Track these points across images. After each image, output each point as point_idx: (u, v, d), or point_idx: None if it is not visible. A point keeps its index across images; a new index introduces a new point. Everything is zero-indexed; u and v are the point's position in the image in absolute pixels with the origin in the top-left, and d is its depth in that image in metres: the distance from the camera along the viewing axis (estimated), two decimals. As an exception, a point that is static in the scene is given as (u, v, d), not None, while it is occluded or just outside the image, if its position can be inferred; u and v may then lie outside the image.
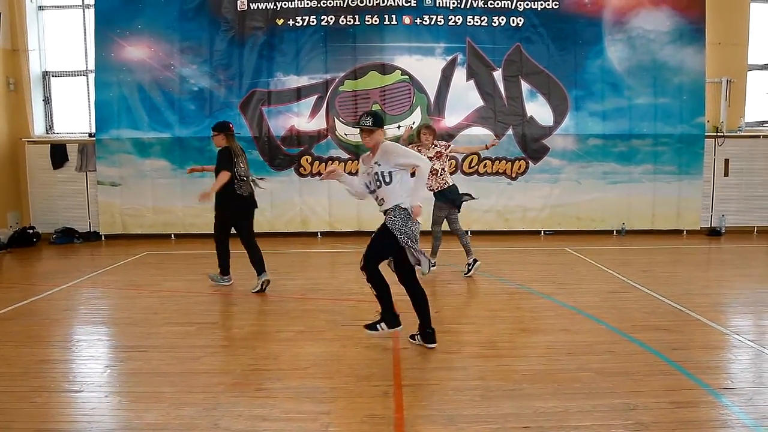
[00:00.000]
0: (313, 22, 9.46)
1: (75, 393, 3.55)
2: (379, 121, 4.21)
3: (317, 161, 9.73)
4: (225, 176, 5.80)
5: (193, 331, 4.75)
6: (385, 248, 4.16)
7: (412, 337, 4.37)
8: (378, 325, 4.30)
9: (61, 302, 5.86)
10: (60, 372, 3.93)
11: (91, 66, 9.79)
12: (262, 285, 5.92)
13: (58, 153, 9.83)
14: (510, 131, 9.77)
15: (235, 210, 5.97)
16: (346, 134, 9.67)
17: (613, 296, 5.92)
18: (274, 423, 3.13)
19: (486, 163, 9.85)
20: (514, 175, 9.90)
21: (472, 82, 9.69)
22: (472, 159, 9.82)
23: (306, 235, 9.85)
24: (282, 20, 9.47)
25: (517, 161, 9.86)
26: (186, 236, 9.47)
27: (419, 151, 6.32)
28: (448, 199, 6.64)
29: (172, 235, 9.65)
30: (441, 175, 6.58)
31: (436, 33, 9.60)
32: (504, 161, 9.85)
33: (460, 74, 9.67)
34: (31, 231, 9.57)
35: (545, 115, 9.80)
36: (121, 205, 9.63)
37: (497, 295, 6.04)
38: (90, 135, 9.91)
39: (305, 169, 9.73)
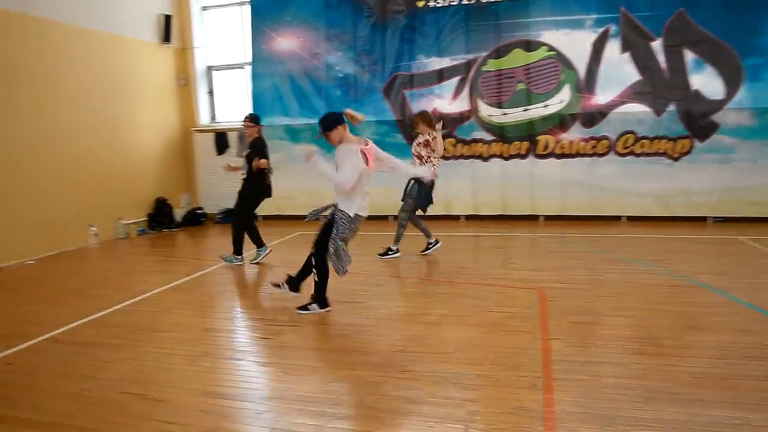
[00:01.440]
0: (454, 1, 9.28)
1: (236, 361, 3.85)
2: (327, 125, 4.64)
3: (460, 143, 9.59)
4: (265, 163, 6.67)
5: (342, 309, 4.92)
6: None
7: (277, 285, 5.01)
8: (309, 306, 4.79)
9: (226, 276, 6.42)
10: (223, 340, 4.29)
11: (248, 59, 10.55)
12: (264, 255, 6.95)
13: (221, 140, 10.77)
14: (672, 107, 8.83)
15: (262, 195, 6.90)
16: (490, 115, 9.41)
17: (802, 294, 5.11)
18: (418, 406, 3.12)
19: (643, 143, 9.00)
20: (676, 156, 8.95)
21: (627, 54, 8.88)
22: (627, 138, 9.03)
23: (449, 218, 9.80)
24: (423, 2, 9.41)
25: (680, 140, 8.88)
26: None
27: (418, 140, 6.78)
28: (423, 193, 6.71)
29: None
30: (426, 163, 6.67)
31: (586, 4, 8.91)
32: (665, 140, 8.93)
33: (613, 47, 8.90)
34: (199, 211, 10.63)
35: (714, 88, 8.68)
36: (275, 187, 10.27)
37: (659, 286, 5.48)
38: (247, 123, 10.70)
39: (448, 152, 9.65)
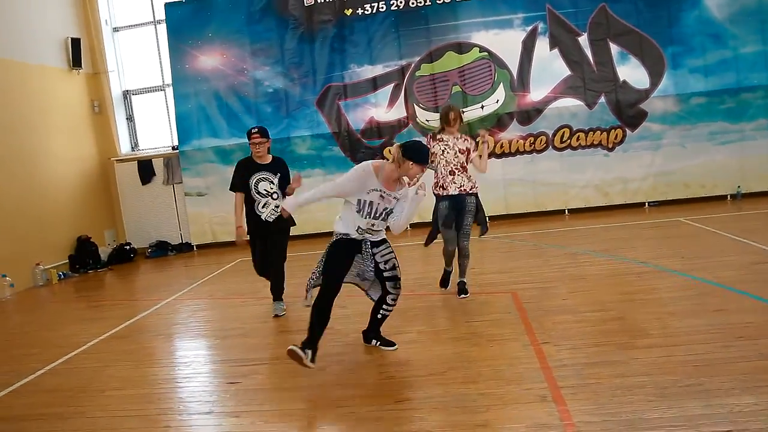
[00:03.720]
0: (382, 7, 9.13)
1: (205, 415, 3.35)
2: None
3: (399, 151, 9.38)
4: (300, 180, 5.13)
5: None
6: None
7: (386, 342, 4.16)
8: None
9: (170, 316, 5.81)
10: (184, 391, 3.77)
11: (168, 80, 9.89)
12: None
13: (145, 169, 10.01)
14: (602, 99, 9.06)
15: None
16: (427, 120, 9.28)
17: (759, 267, 5.23)
18: (428, 439, 2.80)
19: (579, 136, 9.18)
20: (611, 146, 9.18)
21: (556, 50, 9.05)
22: (563, 132, 9.17)
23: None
24: (350, 10, 9.20)
25: (612, 130, 9.13)
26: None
27: (438, 145, 5.00)
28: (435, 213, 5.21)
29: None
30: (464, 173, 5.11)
31: (512, 3, 9.05)
32: (599, 131, 9.14)
33: (542, 44, 9.07)
34: (127, 247, 9.80)
35: (640, 78, 9.02)
36: (210, 214, 9.70)
37: (624, 275, 5.47)
38: (173, 148, 10.03)
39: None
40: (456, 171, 4.99)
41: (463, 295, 5.16)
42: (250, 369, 4.00)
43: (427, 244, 5.38)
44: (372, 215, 3.71)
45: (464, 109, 9.18)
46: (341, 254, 3.82)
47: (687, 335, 3.80)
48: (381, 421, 3.01)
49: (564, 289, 5.14)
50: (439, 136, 5.08)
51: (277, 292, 5.29)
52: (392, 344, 4.05)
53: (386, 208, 3.74)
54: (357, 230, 3.79)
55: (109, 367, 4.33)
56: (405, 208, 3.79)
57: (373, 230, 3.82)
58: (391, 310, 4.03)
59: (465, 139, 5.06)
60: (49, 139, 8.87)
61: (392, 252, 3.93)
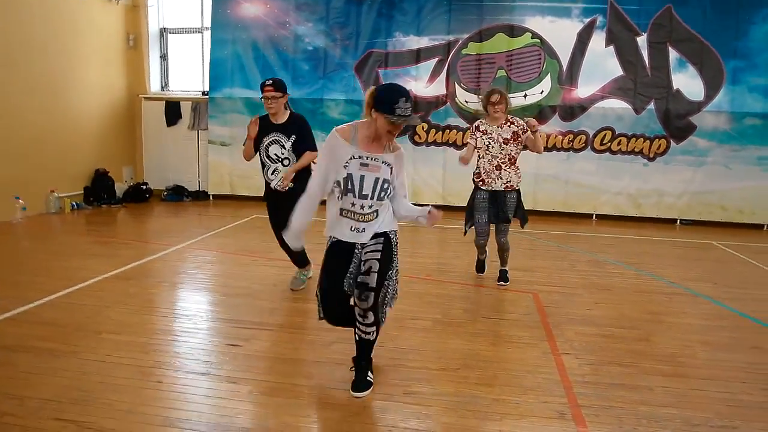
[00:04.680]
0: (437, -23, 8.70)
1: (201, 375, 3.16)
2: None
3: (434, 129, 9.07)
4: (313, 156, 4.45)
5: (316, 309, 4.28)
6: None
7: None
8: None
9: (177, 264, 5.64)
10: (182, 346, 3.58)
11: (207, 23, 9.60)
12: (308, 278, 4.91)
13: (172, 110, 9.79)
14: (651, 105, 8.62)
15: None
16: (466, 101, 8.92)
17: (800, 308, 4.91)
18: (434, 441, 2.59)
19: (621, 140, 8.77)
20: (651, 155, 8.77)
21: (611, 48, 8.58)
22: (605, 134, 8.78)
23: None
24: (404, -25, 8.77)
25: (656, 139, 8.71)
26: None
27: (482, 138, 4.68)
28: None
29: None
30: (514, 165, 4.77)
31: (574, -9, 8.56)
32: (642, 138, 8.73)
33: (598, 39, 8.59)
34: (144, 187, 9.65)
35: (695, 89, 8.54)
36: (230, 165, 9.47)
37: (653, 293, 5.17)
38: (203, 93, 9.79)
39: (420, 137, 9.11)
40: (503, 165, 4.70)
41: (502, 282, 5.05)
42: (252, 333, 3.81)
43: (465, 232, 5.12)
44: (359, 194, 2.77)
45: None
46: (333, 264, 2.94)
47: (721, 370, 3.53)
48: (387, 412, 2.80)
49: (589, 298, 4.87)
50: (483, 128, 4.74)
51: (296, 261, 4.75)
52: (362, 389, 2.95)
53: (377, 179, 2.77)
54: (350, 227, 2.86)
55: (109, 308, 4.17)
56: (403, 177, 2.88)
57: (366, 217, 2.84)
58: (369, 334, 2.93)
59: (510, 123, 4.74)
60: (80, 67, 8.65)
61: (381, 249, 2.86)
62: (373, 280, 2.78)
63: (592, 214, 9.07)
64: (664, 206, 8.89)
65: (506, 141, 4.69)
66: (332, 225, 2.92)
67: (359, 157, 2.77)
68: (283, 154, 4.42)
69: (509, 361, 3.51)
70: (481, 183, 4.80)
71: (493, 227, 4.96)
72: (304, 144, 4.43)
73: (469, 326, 4.08)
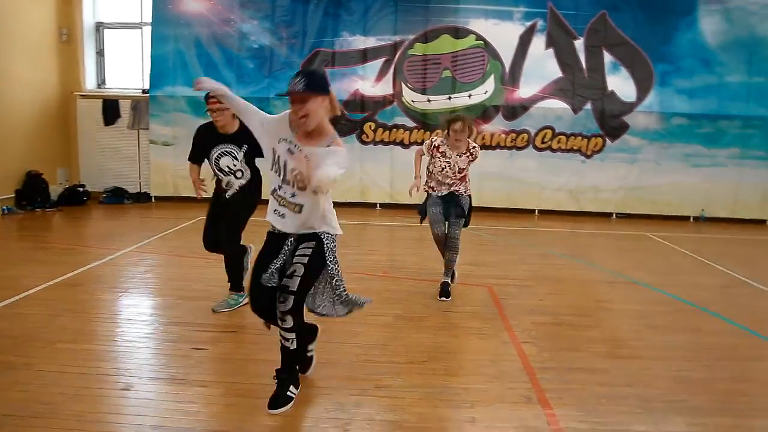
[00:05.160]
0: (384, -22, 8.80)
1: (170, 380, 3.09)
2: (316, 84, 2.65)
3: (381, 128, 9.16)
4: None
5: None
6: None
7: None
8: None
9: (126, 269, 5.45)
10: (144, 352, 3.49)
11: (147, 18, 9.29)
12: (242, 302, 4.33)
13: (111, 109, 9.41)
14: (588, 105, 9.07)
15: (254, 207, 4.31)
16: (413, 101, 9.07)
17: (730, 291, 5.34)
18: None
19: (560, 139, 9.18)
20: (589, 153, 9.23)
21: (551, 50, 8.97)
22: (546, 133, 9.15)
23: (364, 206, 9.35)
24: (350, -25, 8.82)
25: (593, 138, 9.17)
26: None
27: (439, 161, 4.61)
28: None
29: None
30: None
31: (516, -5, 8.88)
32: (580, 137, 9.17)
33: (538, 42, 8.97)
34: (81, 189, 9.23)
35: (628, 90, 9.07)
36: (174, 165, 9.20)
37: (598, 283, 5.48)
38: (143, 91, 9.46)
39: (368, 137, 9.18)
40: (452, 184, 4.70)
41: (443, 298, 4.64)
42: (216, 335, 3.76)
43: (421, 221, 5.05)
44: (283, 179, 2.74)
45: (451, 96, 9.03)
46: (263, 252, 2.86)
47: (666, 350, 3.80)
48: (362, 406, 2.84)
49: (540, 289, 5.10)
50: (442, 149, 4.61)
51: (232, 277, 4.35)
52: (277, 405, 2.78)
53: (293, 170, 2.68)
54: (274, 208, 2.80)
55: (60, 317, 3.98)
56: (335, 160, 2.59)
57: (289, 204, 2.74)
58: (288, 341, 2.81)
59: (469, 153, 4.62)
60: (7, 62, 8.17)
61: (309, 255, 2.74)
62: (294, 284, 2.69)
63: (535, 210, 9.43)
64: (601, 201, 9.37)
65: (461, 170, 4.65)
66: (269, 203, 2.85)
67: (289, 142, 2.72)
68: (235, 165, 4.09)
69: (473, 352, 3.64)
70: (431, 190, 4.80)
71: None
72: (255, 152, 3.95)
73: (429, 320, 4.18)
